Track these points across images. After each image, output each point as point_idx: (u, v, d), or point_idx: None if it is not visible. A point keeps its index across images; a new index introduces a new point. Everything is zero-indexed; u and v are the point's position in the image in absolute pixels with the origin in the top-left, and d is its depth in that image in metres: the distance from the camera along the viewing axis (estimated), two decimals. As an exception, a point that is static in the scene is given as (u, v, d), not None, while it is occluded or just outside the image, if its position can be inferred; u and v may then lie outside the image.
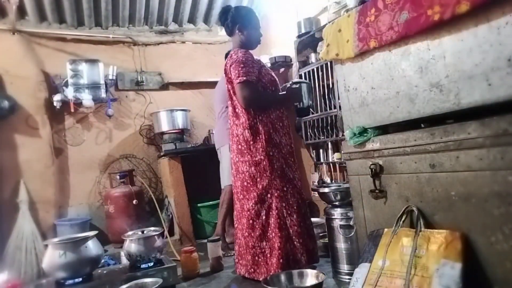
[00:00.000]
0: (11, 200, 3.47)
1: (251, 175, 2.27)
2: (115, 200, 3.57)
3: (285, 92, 2.44)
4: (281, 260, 2.16)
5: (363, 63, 1.75)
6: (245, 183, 2.29)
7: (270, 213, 2.24)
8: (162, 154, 3.91)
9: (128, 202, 3.58)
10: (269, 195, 2.24)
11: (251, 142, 2.26)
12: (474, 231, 1.36)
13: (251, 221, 2.27)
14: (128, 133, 4.18)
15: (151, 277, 2.15)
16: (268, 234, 2.24)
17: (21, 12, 3.72)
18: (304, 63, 3.54)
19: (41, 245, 3.27)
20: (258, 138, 2.26)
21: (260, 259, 2.26)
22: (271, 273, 2.12)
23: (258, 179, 2.25)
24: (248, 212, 2.27)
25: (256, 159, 2.25)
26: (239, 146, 2.32)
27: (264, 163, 2.24)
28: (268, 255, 2.23)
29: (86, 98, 3.70)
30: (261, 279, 2.17)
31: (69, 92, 3.68)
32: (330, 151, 3.32)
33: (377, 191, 1.71)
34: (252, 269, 2.29)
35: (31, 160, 3.60)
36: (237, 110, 2.34)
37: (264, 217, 2.24)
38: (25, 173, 3.57)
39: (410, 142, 1.56)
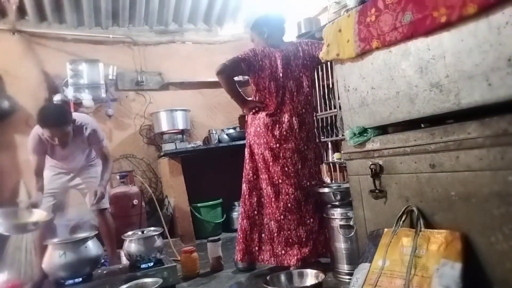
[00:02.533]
0: (11, 200, 3.47)
1: (293, 161, 2.36)
2: (115, 200, 3.56)
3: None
4: (312, 245, 2.30)
5: (363, 63, 1.75)
6: (286, 169, 2.37)
7: (309, 199, 2.35)
8: (162, 154, 3.91)
9: (128, 202, 3.58)
10: (308, 183, 2.38)
11: (297, 130, 2.37)
12: (474, 231, 1.36)
13: (289, 205, 2.34)
14: (128, 133, 4.18)
15: (151, 277, 2.16)
16: (305, 219, 2.34)
17: (21, 12, 3.72)
18: (304, 63, 3.53)
19: (41, 245, 3.27)
20: (303, 127, 2.40)
21: (294, 242, 2.32)
22: (304, 256, 2.26)
23: (299, 166, 2.37)
24: (287, 196, 2.34)
25: (300, 147, 2.37)
26: (284, 133, 2.38)
27: (307, 152, 2.38)
28: (304, 240, 2.31)
29: (86, 98, 3.70)
30: (291, 262, 2.27)
31: (69, 92, 3.68)
32: (330, 151, 3.32)
33: (377, 191, 1.71)
34: (283, 251, 2.32)
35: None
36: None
37: (303, 203, 2.35)
38: (25, 173, 3.56)
39: (410, 142, 1.56)
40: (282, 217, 2.33)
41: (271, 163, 2.38)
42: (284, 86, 2.40)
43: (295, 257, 2.28)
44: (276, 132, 2.38)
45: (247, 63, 2.39)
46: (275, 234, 2.35)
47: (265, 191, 2.41)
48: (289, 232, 2.33)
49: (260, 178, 2.44)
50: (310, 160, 2.41)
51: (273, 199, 2.36)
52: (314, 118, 2.55)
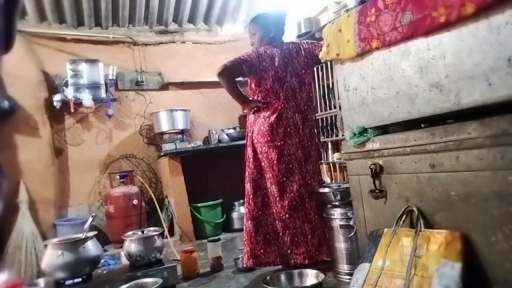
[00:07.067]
0: (11, 200, 3.47)
1: (297, 157, 2.38)
2: (115, 200, 3.57)
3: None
4: (318, 243, 2.34)
5: (363, 63, 1.75)
6: (290, 165, 2.39)
7: (312, 196, 2.38)
8: (162, 154, 3.91)
9: (128, 202, 3.58)
10: (312, 179, 2.41)
11: (301, 126, 2.40)
12: (474, 231, 1.36)
13: (294, 203, 2.35)
14: (128, 133, 4.18)
15: (151, 277, 2.15)
16: (310, 216, 2.37)
17: (21, 12, 3.72)
18: (304, 63, 3.52)
19: (41, 245, 3.27)
20: (306, 123, 2.41)
21: (300, 240, 2.35)
22: (310, 253, 2.31)
23: (303, 162, 2.39)
24: (292, 194, 2.35)
25: (304, 143, 2.40)
26: (288, 129, 2.39)
27: (310, 148, 2.42)
28: (309, 236, 2.36)
29: (86, 98, 3.70)
30: (298, 261, 2.32)
31: (69, 92, 3.68)
32: (330, 151, 3.32)
33: (377, 191, 1.71)
34: (288, 250, 2.35)
35: (31, 160, 3.60)
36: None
37: (307, 199, 2.36)
38: (25, 173, 3.56)
39: (410, 142, 1.56)
40: (287, 215, 2.34)
41: (275, 161, 2.37)
42: (286, 83, 2.42)
43: (302, 256, 2.30)
44: (280, 129, 2.38)
45: (248, 65, 2.38)
46: (280, 234, 2.35)
47: (269, 190, 2.41)
48: (294, 230, 2.34)
49: (264, 177, 2.43)
50: (312, 156, 2.43)
51: (277, 198, 2.36)
52: (315, 116, 2.55)
